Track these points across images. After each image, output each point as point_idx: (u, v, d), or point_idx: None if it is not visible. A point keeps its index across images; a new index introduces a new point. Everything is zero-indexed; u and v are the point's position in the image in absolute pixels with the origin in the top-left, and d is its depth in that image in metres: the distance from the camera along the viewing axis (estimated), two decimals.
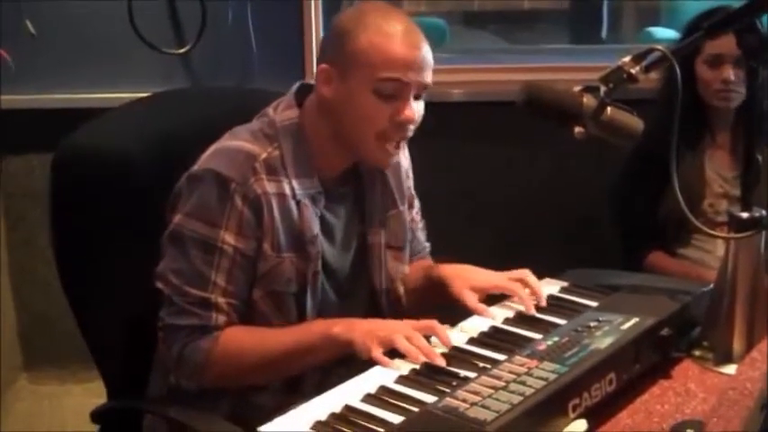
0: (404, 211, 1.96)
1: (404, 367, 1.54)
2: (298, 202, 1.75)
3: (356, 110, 1.73)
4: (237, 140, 1.76)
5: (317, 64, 1.78)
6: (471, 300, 1.79)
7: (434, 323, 1.65)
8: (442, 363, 1.54)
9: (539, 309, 1.78)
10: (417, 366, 1.54)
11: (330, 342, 1.67)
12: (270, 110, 1.82)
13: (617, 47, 5.31)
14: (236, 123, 1.86)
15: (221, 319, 1.72)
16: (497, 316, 1.75)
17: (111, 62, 3.19)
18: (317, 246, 1.77)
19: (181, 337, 1.73)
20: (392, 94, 1.72)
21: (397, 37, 1.70)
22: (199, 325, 1.71)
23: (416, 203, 2.05)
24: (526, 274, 1.85)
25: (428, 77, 1.75)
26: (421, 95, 1.77)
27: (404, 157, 1.97)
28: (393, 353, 1.59)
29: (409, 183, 2.00)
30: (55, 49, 3.17)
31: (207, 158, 1.75)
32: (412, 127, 1.77)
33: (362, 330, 1.64)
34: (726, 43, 2.42)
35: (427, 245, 2.09)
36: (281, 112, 1.80)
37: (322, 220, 1.80)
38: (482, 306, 1.78)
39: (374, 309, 1.91)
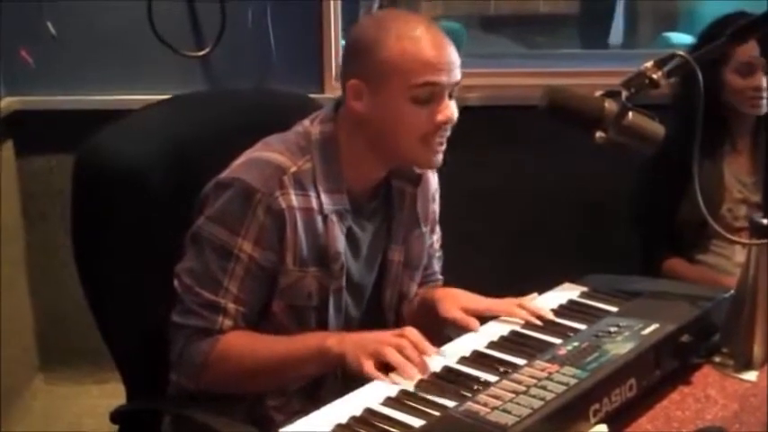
0: (426, 232, 1.95)
1: (398, 380, 1.52)
2: (325, 218, 1.74)
3: (395, 120, 1.71)
4: (270, 152, 1.75)
5: (345, 79, 1.74)
6: (459, 315, 1.78)
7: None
8: (427, 373, 1.53)
9: (558, 314, 1.77)
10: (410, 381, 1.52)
11: (323, 355, 1.65)
12: (307, 121, 1.81)
13: (634, 52, 5.32)
14: (254, 126, 1.86)
15: (227, 324, 1.72)
16: (488, 332, 1.72)
17: (131, 64, 3.21)
18: (339, 262, 1.77)
19: (183, 336, 1.73)
20: (428, 98, 1.70)
21: (423, 40, 1.68)
22: (202, 327, 1.71)
23: (438, 231, 2.04)
24: (521, 301, 1.82)
25: (458, 75, 1.73)
26: (453, 94, 1.75)
27: (433, 181, 1.97)
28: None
29: (435, 207, 1.99)
30: (75, 51, 3.19)
31: (237, 167, 1.74)
32: (449, 126, 1.75)
33: (353, 343, 1.62)
34: (755, 50, 2.43)
35: (440, 277, 2.07)
36: (317, 125, 1.79)
37: (350, 235, 1.80)
38: (471, 319, 1.76)
39: (382, 324, 1.89)
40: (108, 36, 3.20)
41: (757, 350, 1.69)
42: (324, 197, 1.74)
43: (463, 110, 1.77)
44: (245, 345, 1.72)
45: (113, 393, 2.02)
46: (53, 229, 3.29)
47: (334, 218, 1.75)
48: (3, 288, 3.14)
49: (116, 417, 1.87)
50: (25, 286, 3.44)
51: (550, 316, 1.76)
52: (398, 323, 1.93)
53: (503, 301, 1.83)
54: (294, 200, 1.71)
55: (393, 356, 1.56)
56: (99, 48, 3.21)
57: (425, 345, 1.60)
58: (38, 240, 3.39)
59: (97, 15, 3.18)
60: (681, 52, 1.68)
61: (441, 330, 1.81)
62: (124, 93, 3.14)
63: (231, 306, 1.71)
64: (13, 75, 3.18)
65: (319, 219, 1.74)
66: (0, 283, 3.11)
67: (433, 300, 1.87)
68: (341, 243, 1.77)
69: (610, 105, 1.66)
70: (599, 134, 1.67)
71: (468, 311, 1.79)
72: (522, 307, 1.79)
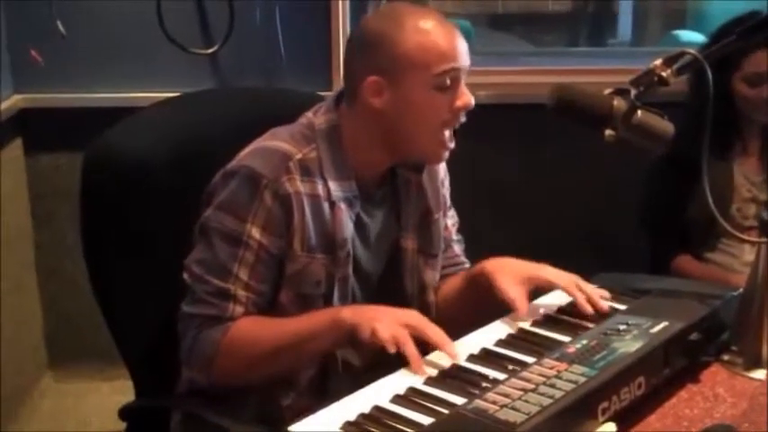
0: (439, 218, 1.95)
1: (409, 375, 1.52)
2: (332, 204, 1.75)
3: (418, 110, 1.73)
4: (275, 140, 1.76)
5: (359, 76, 1.74)
6: (516, 293, 1.75)
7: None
8: (453, 353, 1.54)
9: (567, 312, 1.76)
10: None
11: (336, 326, 1.65)
12: (310, 113, 1.82)
13: (643, 50, 5.31)
14: (262, 123, 1.86)
15: (238, 310, 1.72)
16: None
17: (140, 62, 3.22)
18: (346, 249, 1.77)
19: (194, 326, 1.73)
20: (449, 85, 1.72)
21: (437, 30, 1.71)
22: (213, 315, 1.71)
23: (453, 215, 2.03)
24: (580, 279, 1.80)
25: (469, 60, 1.76)
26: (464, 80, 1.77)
27: (441, 167, 1.97)
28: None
29: (445, 191, 1.98)
30: (85, 49, 3.20)
31: (243, 156, 1.75)
32: (464, 112, 1.77)
33: (369, 316, 1.63)
34: (765, 62, 2.42)
35: (464, 260, 2.05)
36: (320, 115, 1.80)
37: (358, 222, 1.80)
38: (525, 302, 1.74)
39: None
40: (117, 34, 3.21)
41: (766, 349, 1.68)
42: (332, 184, 1.75)
43: (472, 108, 1.77)
44: (256, 327, 1.72)
45: (123, 391, 2.02)
46: (61, 228, 3.30)
47: (342, 205, 1.76)
48: (12, 287, 3.15)
49: (124, 414, 1.87)
50: (34, 285, 3.45)
51: (605, 307, 1.74)
52: (424, 313, 1.91)
53: (563, 277, 1.80)
54: (300, 185, 1.72)
55: (410, 349, 1.56)
56: (108, 46, 3.22)
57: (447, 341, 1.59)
58: (46, 239, 3.40)
59: (106, 14, 3.19)
60: (690, 50, 1.68)
61: (489, 307, 1.78)
62: (133, 91, 3.15)
63: (241, 293, 1.71)
64: (23, 73, 3.20)
65: (326, 205, 1.74)
66: (9, 281, 3.12)
67: (485, 272, 1.83)
68: (348, 230, 1.77)
69: (619, 103, 1.66)
70: (608, 132, 1.67)
71: (526, 282, 1.78)
72: (580, 289, 1.76)
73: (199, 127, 1.99)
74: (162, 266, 1.84)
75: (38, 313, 3.47)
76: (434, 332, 1.59)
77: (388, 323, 1.59)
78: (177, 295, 1.76)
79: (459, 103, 1.75)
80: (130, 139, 1.89)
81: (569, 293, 1.77)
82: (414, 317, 1.63)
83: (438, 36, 1.71)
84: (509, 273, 1.80)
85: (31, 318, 3.43)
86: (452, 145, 1.79)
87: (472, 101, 1.76)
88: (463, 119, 1.78)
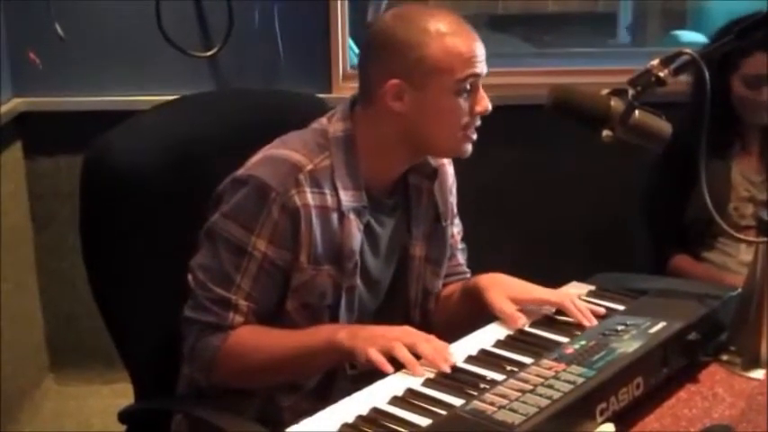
0: (447, 226, 1.95)
1: (406, 377, 1.52)
2: (341, 215, 1.74)
3: (440, 114, 1.73)
4: (286, 149, 1.75)
5: (378, 80, 1.73)
6: (508, 308, 1.75)
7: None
8: (446, 369, 1.53)
9: (563, 313, 1.75)
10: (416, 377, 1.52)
11: (332, 348, 1.66)
12: (324, 119, 1.81)
13: (643, 50, 5.31)
14: (262, 125, 1.87)
15: (238, 320, 1.72)
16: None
17: (139, 65, 3.22)
18: (353, 260, 1.76)
19: (195, 331, 1.74)
20: (469, 90, 1.73)
21: (460, 36, 1.71)
22: (213, 322, 1.72)
23: (458, 224, 2.03)
24: (572, 296, 1.79)
25: (486, 65, 1.77)
26: None
27: (450, 174, 1.97)
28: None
29: (452, 199, 1.98)
30: (83, 52, 3.20)
31: (253, 164, 1.74)
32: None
33: (364, 337, 1.63)
34: (764, 64, 2.42)
35: (467, 270, 2.05)
36: (335, 122, 1.79)
37: (369, 230, 1.79)
38: (519, 315, 1.74)
39: (406, 321, 1.87)
40: (116, 37, 3.22)
41: (764, 348, 1.68)
42: (342, 194, 1.74)
43: None
44: (255, 339, 1.72)
45: (124, 393, 2.02)
46: (62, 230, 3.30)
47: (351, 215, 1.75)
48: (13, 289, 3.16)
49: (124, 417, 1.88)
50: (35, 287, 3.45)
51: (594, 321, 1.72)
52: (425, 320, 1.93)
53: (554, 294, 1.80)
54: (310, 198, 1.71)
55: (401, 353, 1.56)
56: (107, 49, 3.22)
57: (445, 349, 1.60)
58: (47, 241, 3.40)
59: (105, 16, 3.19)
60: (687, 50, 1.68)
61: (482, 320, 1.78)
62: (132, 94, 3.16)
63: (242, 303, 1.72)
64: (22, 76, 3.20)
65: (335, 216, 1.74)
66: (10, 284, 3.12)
67: (478, 287, 1.84)
68: (356, 241, 1.76)
69: (616, 104, 1.67)
70: (606, 132, 1.67)
71: (515, 301, 1.77)
72: (573, 304, 1.75)
73: (198, 129, 1.99)
74: (162, 269, 1.84)
75: (39, 316, 3.48)
76: (426, 349, 1.57)
77: (382, 344, 1.58)
78: (177, 298, 1.76)
79: (478, 108, 1.75)
80: (130, 142, 1.89)
81: (562, 308, 1.75)
82: (407, 334, 1.63)
83: (462, 41, 1.71)
84: (498, 289, 1.81)
85: (32, 320, 3.43)
86: (475, 137, 1.79)
87: (490, 106, 1.76)
88: (478, 122, 1.78)
